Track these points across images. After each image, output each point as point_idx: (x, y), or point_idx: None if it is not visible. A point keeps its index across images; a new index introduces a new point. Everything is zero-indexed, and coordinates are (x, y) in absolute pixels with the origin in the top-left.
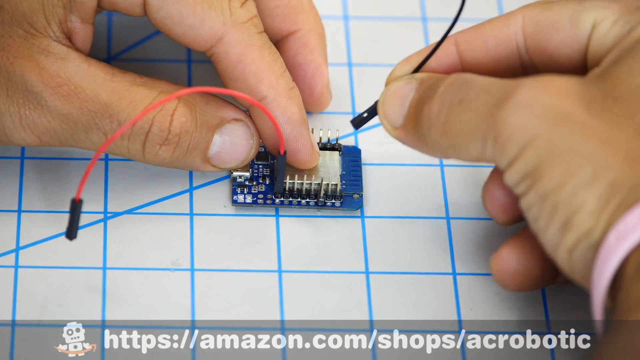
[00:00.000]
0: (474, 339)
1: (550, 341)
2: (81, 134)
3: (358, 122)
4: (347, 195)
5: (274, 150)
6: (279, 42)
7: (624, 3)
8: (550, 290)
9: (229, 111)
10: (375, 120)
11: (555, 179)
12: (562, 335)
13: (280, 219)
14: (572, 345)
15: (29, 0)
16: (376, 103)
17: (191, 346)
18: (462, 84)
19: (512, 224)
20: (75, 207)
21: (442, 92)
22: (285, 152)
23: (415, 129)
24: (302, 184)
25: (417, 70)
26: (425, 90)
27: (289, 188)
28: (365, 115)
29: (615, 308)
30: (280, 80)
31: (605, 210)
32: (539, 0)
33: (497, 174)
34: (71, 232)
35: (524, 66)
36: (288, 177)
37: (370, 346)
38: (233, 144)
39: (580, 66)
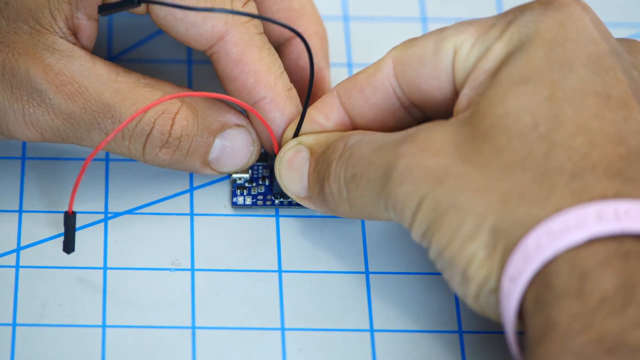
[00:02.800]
0: (474, 339)
1: None
2: (83, 132)
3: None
4: None
5: (271, 148)
6: (280, 45)
7: (480, 23)
8: None
9: (231, 116)
10: None
11: (445, 236)
12: None
13: (280, 219)
14: None
15: None
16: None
17: (191, 346)
18: (349, 158)
19: None
20: (69, 220)
21: (335, 170)
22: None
23: (323, 203)
24: None
25: (297, 132)
26: (319, 165)
27: None
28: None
29: (525, 343)
30: (279, 81)
31: (494, 256)
32: (404, 40)
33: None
34: (68, 246)
35: (404, 107)
36: None
37: (370, 346)
38: (233, 149)
39: (452, 96)
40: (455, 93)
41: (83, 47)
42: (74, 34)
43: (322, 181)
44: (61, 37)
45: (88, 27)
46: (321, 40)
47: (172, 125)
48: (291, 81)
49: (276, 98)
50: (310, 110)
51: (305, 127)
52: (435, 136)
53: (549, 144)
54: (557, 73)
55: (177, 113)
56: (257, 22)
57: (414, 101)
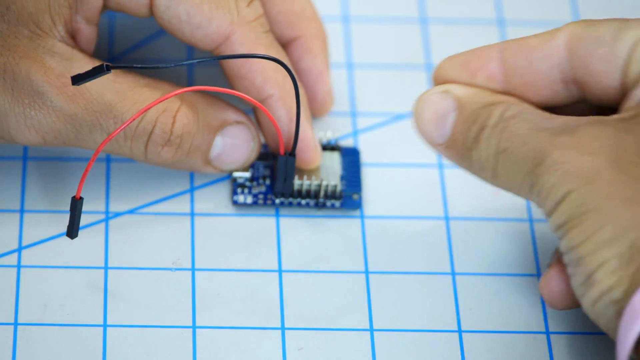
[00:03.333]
0: (473, 339)
1: (548, 341)
2: (85, 134)
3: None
4: (347, 196)
5: (277, 147)
6: (282, 47)
7: None
8: None
9: (231, 113)
10: (375, 121)
11: (581, 235)
12: (561, 335)
13: (281, 219)
14: (571, 346)
15: (36, 0)
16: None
17: (192, 346)
18: (504, 130)
19: (568, 309)
20: (76, 205)
21: (487, 138)
22: (286, 153)
23: (462, 159)
24: (302, 184)
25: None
26: (469, 124)
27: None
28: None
29: None
30: (287, 79)
31: (627, 269)
32: (585, 19)
33: (557, 264)
34: (72, 231)
35: (564, 82)
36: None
37: (370, 346)
38: (234, 146)
39: (618, 85)
40: (622, 83)
41: (82, 51)
42: (73, 38)
43: (469, 141)
44: (60, 41)
45: (87, 32)
46: (322, 43)
47: (173, 123)
48: None
49: (284, 96)
50: (467, 55)
51: (456, 72)
52: (595, 134)
53: None
54: None
55: (177, 111)
56: (263, 20)
57: (577, 79)
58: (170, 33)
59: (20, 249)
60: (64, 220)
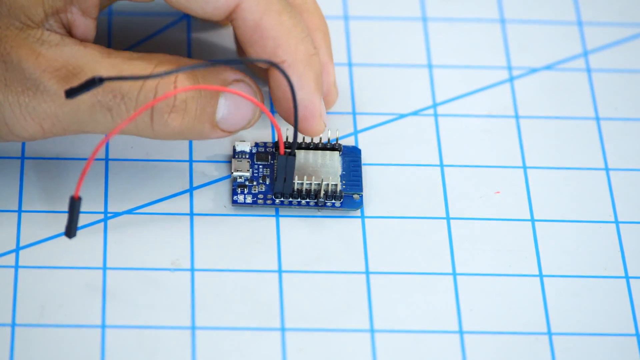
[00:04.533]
0: (474, 339)
1: (550, 341)
2: (84, 115)
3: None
4: (347, 195)
5: (286, 114)
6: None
7: None
8: (550, 290)
9: (229, 73)
10: (375, 120)
11: None
12: (563, 336)
13: (280, 219)
14: (573, 347)
15: None
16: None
17: (191, 346)
18: None
19: None
20: (74, 205)
21: None
22: (286, 153)
23: None
24: (302, 184)
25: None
26: None
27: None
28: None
29: None
30: (300, 45)
31: None
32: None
33: None
34: (70, 231)
35: None
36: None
37: (370, 346)
38: (238, 104)
39: None
40: None
41: (72, 36)
42: (68, 31)
43: None
44: (49, 30)
45: (83, 24)
46: (324, 35)
47: (175, 88)
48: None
49: (295, 63)
50: None
51: None
52: None
53: None
54: None
55: (177, 77)
56: None
57: None
58: (181, 10)
59: (18, 249)
60: (62, 220)
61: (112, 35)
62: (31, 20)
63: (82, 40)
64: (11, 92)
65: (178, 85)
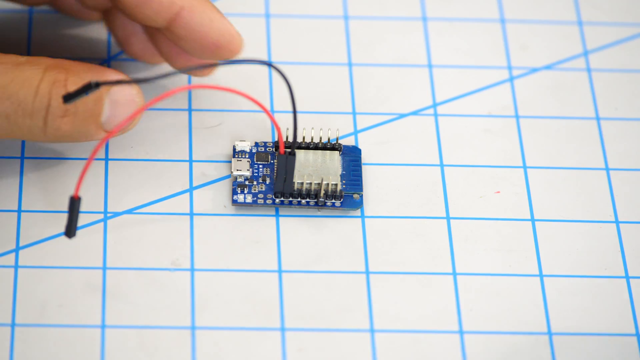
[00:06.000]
0: (475, 339)
1: (550, 341)
2: None
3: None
4: (347, 195)
5: (204, 51)
6: (169, 30)
7: None
8: (550, 290)
9: (111, 74)
10: (375, 120)
11: None
12: (563, 336)
13: (280, 219)
14: (573, 347)
15: None
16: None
17: (191, 346)
18: None
19: None
20: (74, 205)
21: None
22: (286, 152)
23: None
24: (302, 184)
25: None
26: None
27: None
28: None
29: None
30: None
31: None
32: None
33: None
34: (70, 231)
35: None
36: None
37: (370, 347)
38: (120, 103)
39: None
40: None
41: None
42: None
43: None
44: None
45: None
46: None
47: (66, 92)
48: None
49: (194, 5)
50: None
51: None
52: None
53: None
54: None
55: (66, 80)
56: None
57: None
58: (130, 17)
59: (17, 249)
60: (62, 220)
61: (111, 36)
62: None
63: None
64: None
65: (69, 86)
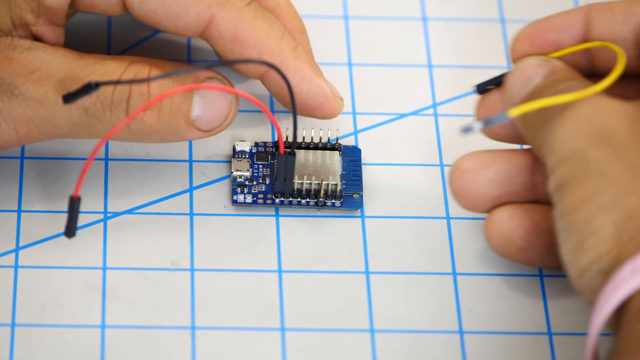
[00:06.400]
0: (475, 339)
1: (550, 341)
2: (60, 117)
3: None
4: (347, 195)
5: (301, 109)
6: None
7: None
8: (550, 290)
9: (202, 72)
10: (375, 120)
11: (579, 197)
12: (564, 336)
13: (280, 219)
14: (574, 347)
15: None
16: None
17: (191, 346)
18: (563, 89)
19: (510, 258)
20: (74, 205)
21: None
22: (286, 152)
23: (519, 120)
24: (302, 184)
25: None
26: (544, 90)
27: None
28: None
29: (615, 346)
30: (282, 43)
31: (620, 238)
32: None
33: (506, 207)
34: (70, 230)
35: (638, 48)
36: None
37: (370, 347)
38: (212, 101)
39: None
40: None
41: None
42: (38, 39)
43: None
44: (17, 37)
45: (52, 32)
46: (301, 35)
47: (148, 84)
48: None
49: (284, 62)
50: (554, 18)
51: (548, 30)
52: (620, 104)
53: None
54: None
55: (149, 74)
56: None
57: None
58: (152, 27)
59: (17, 249)
60: (62, 220)
61: (111, 35)
62: (0, 30)
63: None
64: None
65: (152, 87)
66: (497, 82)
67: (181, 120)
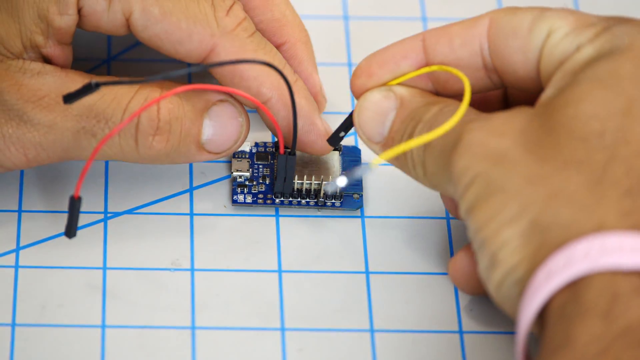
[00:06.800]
0: (474, 339)
1: None
2: (69, 142)
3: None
4: (347, 195)
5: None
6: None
7: (580, 16)
8: None
9: (213, 94)
10: None
11: (485, 216)
12: None
13: (280, 219)
14: None
15: (6, 24)
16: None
17: (191, 346)
18: (433, 123)
19: (476, 294)
20: (74, 205)
21: (420, 132)
22: (286, 152)
23: (399, 158)
24: (302, 184)
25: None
26: (408, 121)
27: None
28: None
29: (539, 349)
30: (281, 78)
31: (528, 247)
32: (508, 6)
33: (466, 247)
34: (70, 231)
35: (486, 69)
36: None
37: (370, 346)
38: (223, 124)
39: (534, 75)
40: (537, 73)
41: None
42: (48, 61)
43: (405, 138)
44: (28, 60)
45: (62, 52)
46: (306, 46)
47: (158, 109)
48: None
49: (283, 96)
50: (391, 48)
51: (385, 62)
52: (506, 119)
53: (610, 155)
54: (638, 90)
55: (159, 98)
56: (246, 24)
57: (497, 67)
58: (154, 49)
59: (18, 249)
60: (62, 220)
61: (112, 36)
62: (10, 52)
63: (62, 67)
64: None
65: (162, 105)
66: (346, 127)
67: (191, 143)
